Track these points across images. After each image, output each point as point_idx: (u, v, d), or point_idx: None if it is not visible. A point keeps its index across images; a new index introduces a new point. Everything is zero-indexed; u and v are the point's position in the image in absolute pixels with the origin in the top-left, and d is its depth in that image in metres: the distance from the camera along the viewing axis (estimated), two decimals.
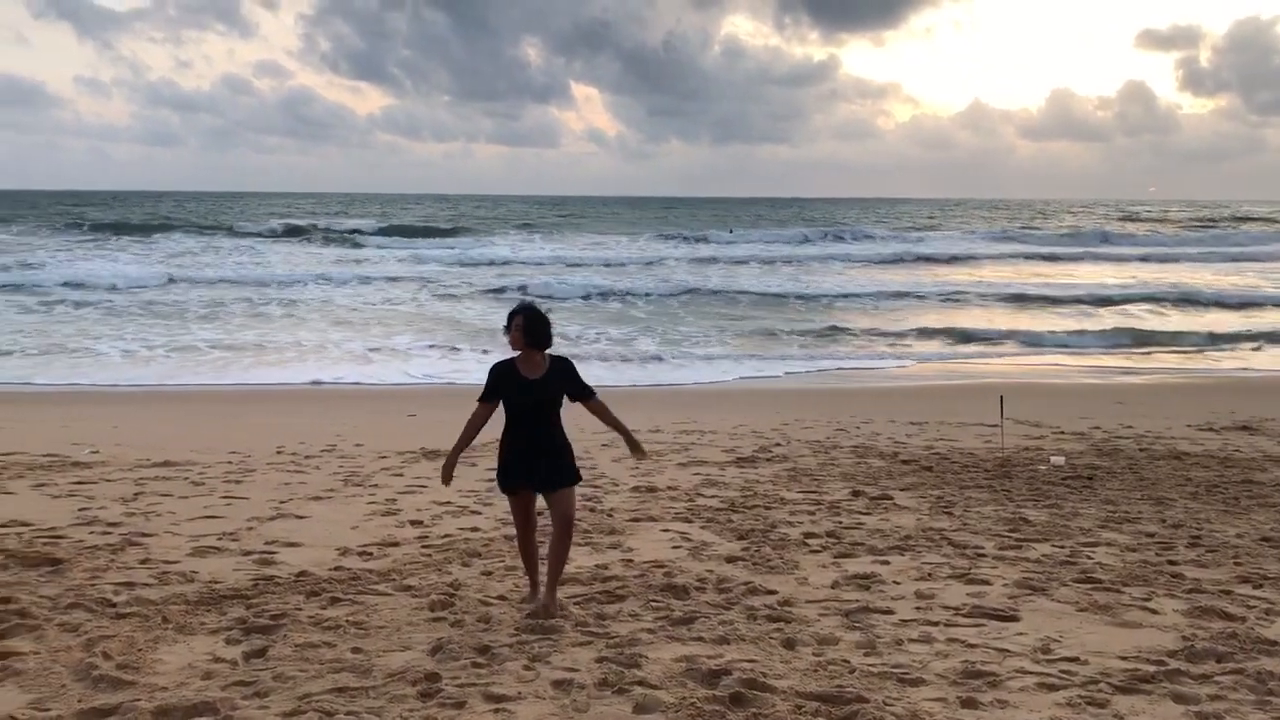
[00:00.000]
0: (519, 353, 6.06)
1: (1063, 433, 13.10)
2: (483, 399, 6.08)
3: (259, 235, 56.14)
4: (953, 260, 49.51)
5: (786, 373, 20.79)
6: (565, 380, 6.13)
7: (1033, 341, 25.06)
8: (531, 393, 5.99)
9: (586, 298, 32.51)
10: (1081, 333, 26.22)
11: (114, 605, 6.16)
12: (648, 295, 32.93)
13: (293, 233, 57.18)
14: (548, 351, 6.12)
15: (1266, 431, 13.22)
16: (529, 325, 5.98)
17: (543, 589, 6.25)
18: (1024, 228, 74.42)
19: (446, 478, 6.26)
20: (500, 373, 6.05)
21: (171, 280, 35.18)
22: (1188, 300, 33.22)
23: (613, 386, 17.78)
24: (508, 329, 6.06)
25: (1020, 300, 33.26)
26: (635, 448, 6.48)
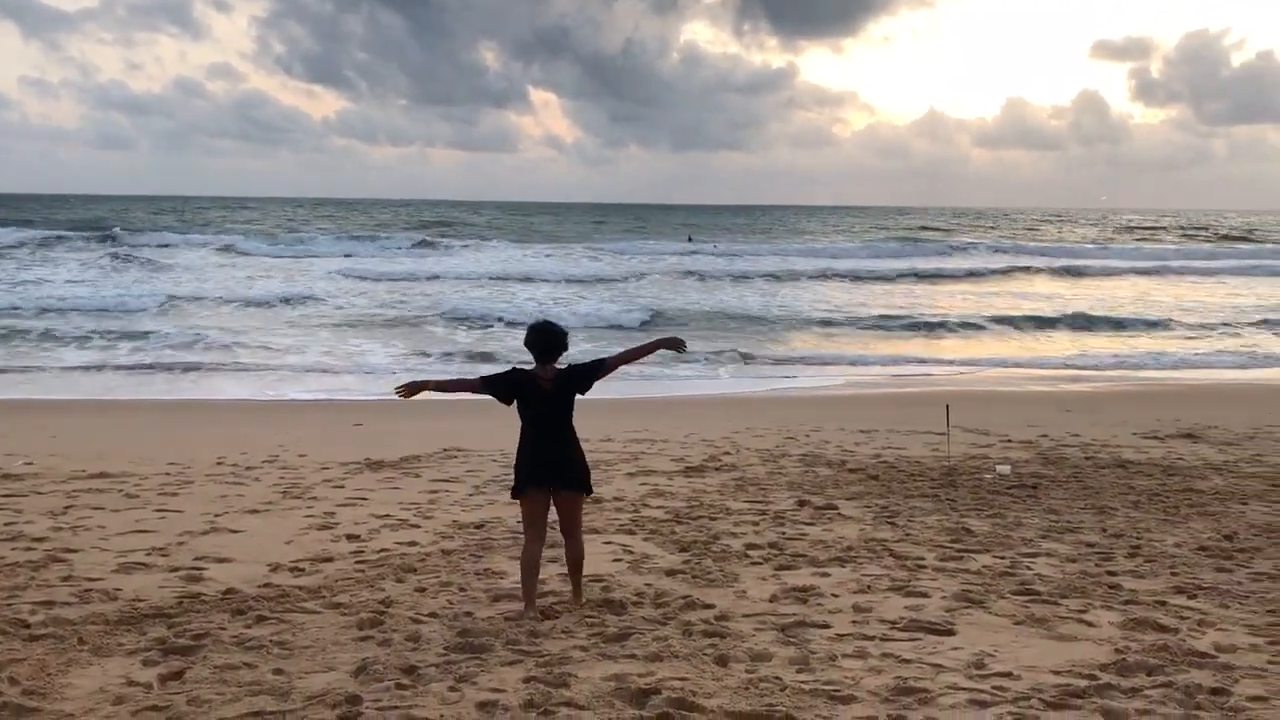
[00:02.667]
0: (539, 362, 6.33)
1: (1010, 441, 13.15)
2: (488, 380, 6.36)
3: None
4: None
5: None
6: (574, 382, 6.36)
7: None
8: (545, 403, 6.29)
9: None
10: None
11: (28, 626, 5.97)
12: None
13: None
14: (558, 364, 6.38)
15: (1209, 439, 13.35)
16: (535, 339, 6.31)
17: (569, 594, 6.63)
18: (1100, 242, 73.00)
19: (409, 390, 6.33)
20: (516, 375, 6.35)
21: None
22: None
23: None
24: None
25: None
26: (670, 344, 6.56)
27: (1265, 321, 31.04)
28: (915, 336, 28.46)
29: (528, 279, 40.87)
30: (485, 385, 6.34)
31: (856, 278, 44.34)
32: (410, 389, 6.34)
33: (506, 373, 6.40)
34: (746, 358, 23.34)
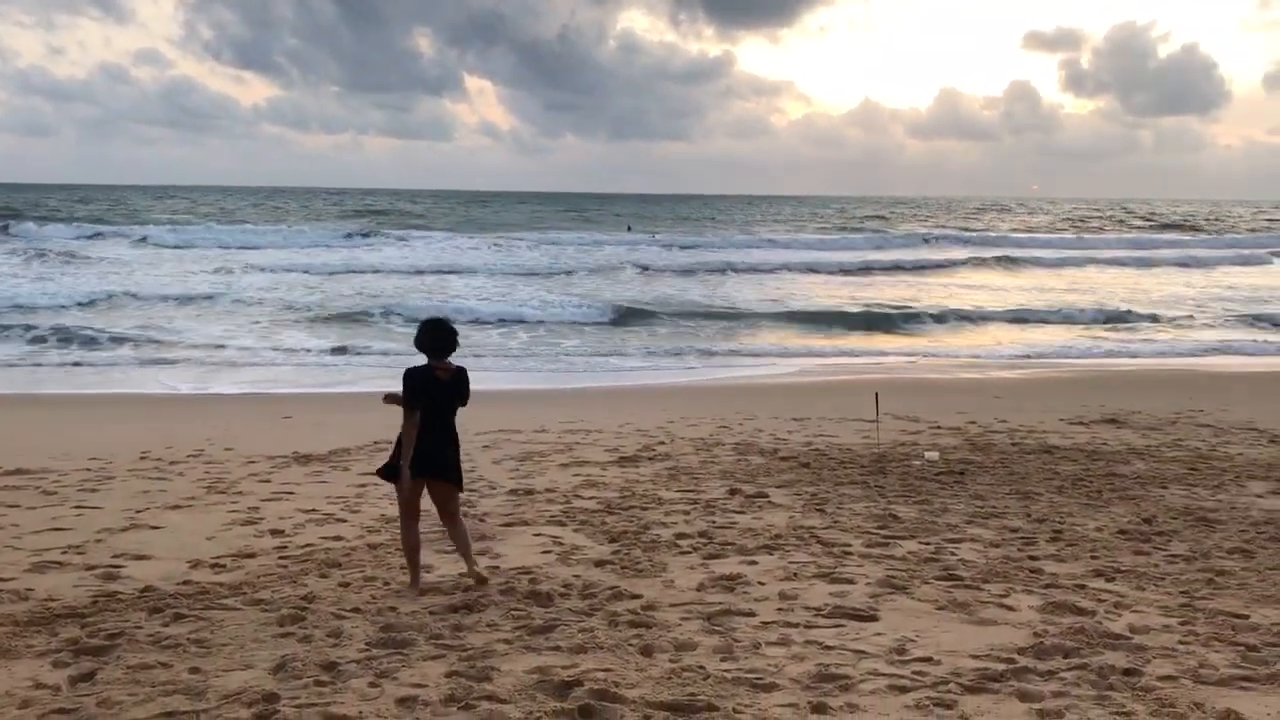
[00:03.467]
0: (432, 360, 6.64)
1: (940, 428, 13.33)
2: (411, 407, 6.56)
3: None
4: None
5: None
6: (464, 386, 6.72)
7: None
8: (443, 395, 6.61)
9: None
10: None
11: None
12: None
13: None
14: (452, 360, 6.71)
15: (1132, 424, 13.65)
16: (434, 337, 6.62)
17: (464, 567, 6.90)
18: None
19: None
20: (418, 378, 6.57)
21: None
22: None
23: (512, 389, 17.59)
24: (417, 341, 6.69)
25: None
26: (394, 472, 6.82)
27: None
28: (920, 329, 28.40)
29: (471, 271, 40.34)
30: (412, 413, 6.57)
31: (816, 270, 44.24)
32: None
33: (412, 385, 6.57)
34: (708, 354, 23.21)
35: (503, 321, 27.42)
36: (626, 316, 28.97)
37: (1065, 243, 63.29)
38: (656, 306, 30.96)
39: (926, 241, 61.06)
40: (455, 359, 6.74)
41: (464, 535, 6.91)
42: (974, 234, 67.70)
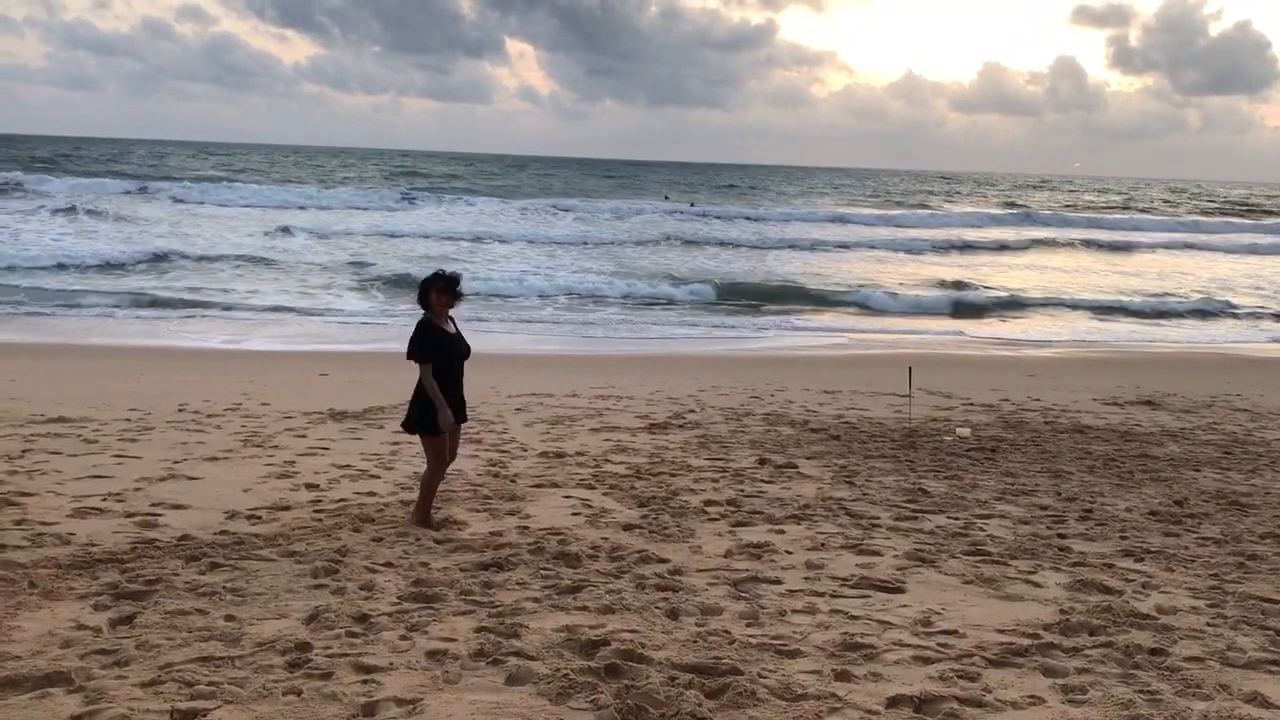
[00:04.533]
0: (441, 313, 7.11)
1: (972, 405, 13.27)
2: (429, 358, 7.05)
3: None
4: None
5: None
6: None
7: None
8: (458, 345, 7.20)
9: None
10: None
11: None
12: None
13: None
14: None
15: (1167, 406, 13.52)
16: (450, 289, 7.08)
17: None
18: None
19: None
20: (433, 335, 7.04)
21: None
22: None
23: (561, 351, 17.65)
24: (425, 296, 7.09)
25: None
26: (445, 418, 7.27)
27: None
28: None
29: (530, 241, 38.92)
30: (431, 366, 7.07)
31: (910, 249, 41.99)
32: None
33: (426, 337, 7.03)
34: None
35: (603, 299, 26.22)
36: (728, 295, 27.44)
37: (1147, 224, 61.08)
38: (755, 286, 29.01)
39: (1002, 219, 59.38)
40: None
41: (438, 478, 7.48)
42: (1051, 213, 65.20)
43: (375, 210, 49.26)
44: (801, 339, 21.22)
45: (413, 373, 7.22)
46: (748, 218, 52.90)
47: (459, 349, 7.18)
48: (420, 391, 7.10)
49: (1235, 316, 27.75)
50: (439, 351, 7.06)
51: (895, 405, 12.88)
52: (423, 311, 7.16)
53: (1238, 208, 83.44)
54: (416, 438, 7.46)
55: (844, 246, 41.88)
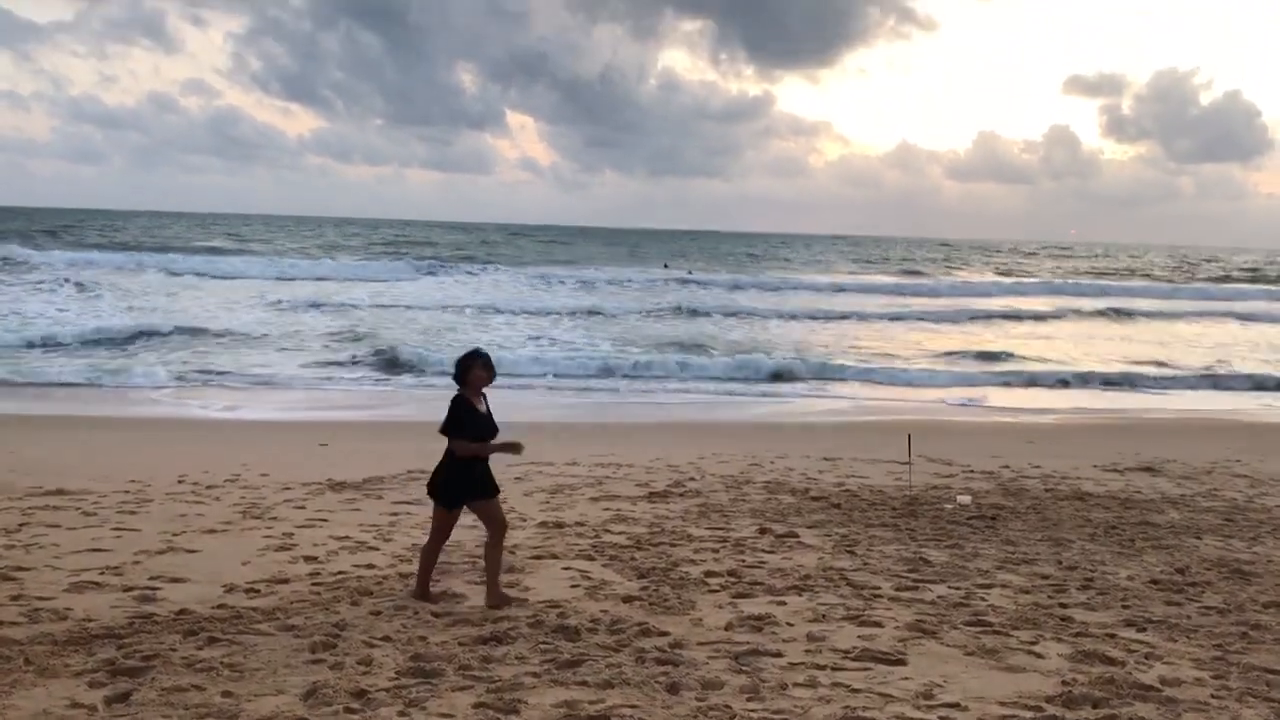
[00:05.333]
0: (477, 390, 7.12)
1: (972, 471, 13.26)
2: (464, 434, 7.02)
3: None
4: None
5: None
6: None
7: None
8: (490, 424, 7.16)
9: None
10: None
11: None
12: None
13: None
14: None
15: (1167, 473, 13.51)
16: (486, 369, 7.13)
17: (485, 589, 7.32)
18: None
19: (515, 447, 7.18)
20: (466, 409, 7.05)
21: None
22: None
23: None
24: (467, 372, 7.07)
25: None
26: (511, 448, 7.21)
27: None
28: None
29: (545, 312, 37.55)
30: (469, 440, 7.06)
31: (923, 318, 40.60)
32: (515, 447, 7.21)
33: (462, 413, 7.05)
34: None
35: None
36: (730, 364, 25.79)
37: (1160, 291, 59.75)
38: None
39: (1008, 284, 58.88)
40: None
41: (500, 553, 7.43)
42: (1066, 282, 64.01)
43: (377, 281, 49.42)
44: (800, 405, 21.24)
45: (438, 442, 7.18)
46: (741, 286, 52.89)
47: (489, 428, 7.14)
48: (448, 461, 7.10)
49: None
50: (473, 429, 7.05)
51: (895, 472, 12.87)
52: (458, 388, 7.14)
53: (1253, 275, 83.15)
54: (429, 505, 7.39)
55: (846, 317, 40.65)
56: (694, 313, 40.01)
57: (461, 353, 7.31)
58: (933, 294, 53.30)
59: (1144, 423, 19.78)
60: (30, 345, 25.31)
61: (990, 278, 68.65)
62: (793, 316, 40.33)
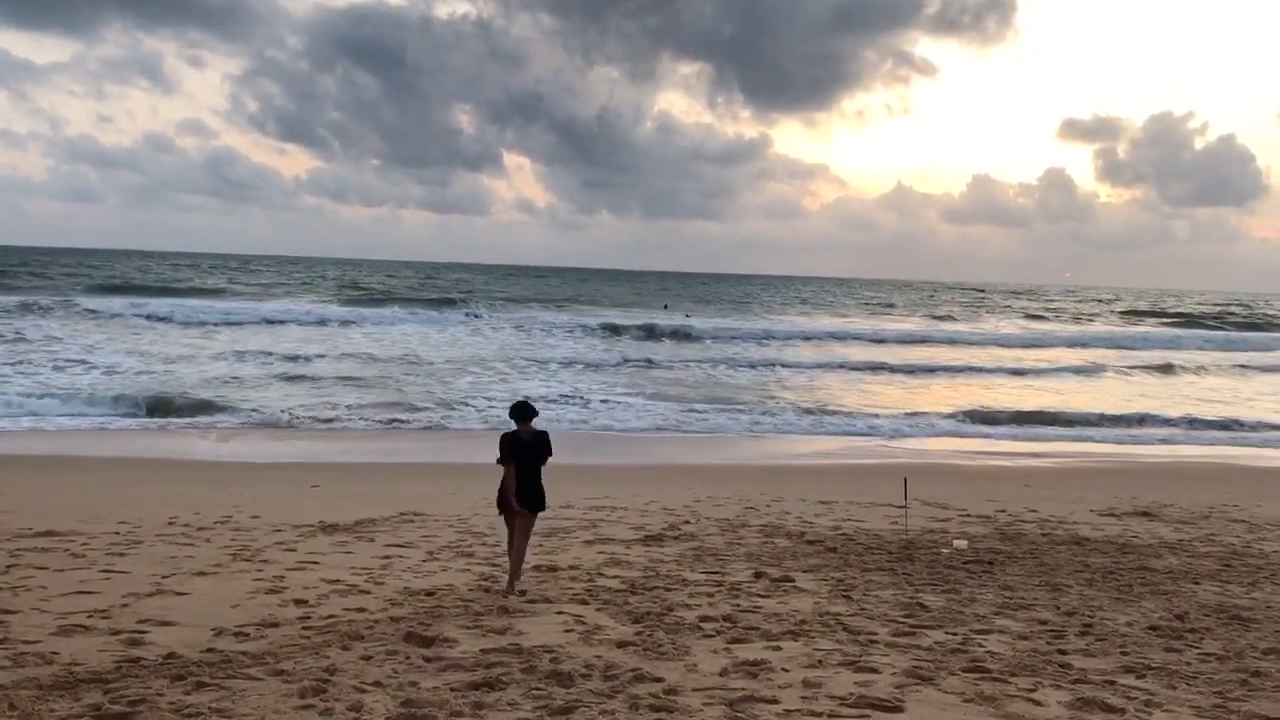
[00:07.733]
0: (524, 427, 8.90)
1: (969, 515, 13.19)
2: (506, 458, 8.81)
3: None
4: None
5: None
6: (545, 444, 8.94)
7: None
8: (526, 451, 8.83)
9: None
10: None
11: None
12: None
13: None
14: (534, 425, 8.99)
15: (1165, 518, 13.46)
16: (519, 410, 8.98)
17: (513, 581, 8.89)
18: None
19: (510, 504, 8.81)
20: (509, 441, 8.84)
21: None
22: None
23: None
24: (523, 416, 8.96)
25: None
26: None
27: None
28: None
29: (532, 361, 35.97)
30: (510, 465, 8.78)
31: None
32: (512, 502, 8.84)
33: (506, 445, 8.83)
34: None
35: None
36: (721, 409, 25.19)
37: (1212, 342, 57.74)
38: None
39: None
40: None
41: (522, 555, 8.96)
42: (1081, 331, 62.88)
43: (373, 324, 49.35)
44: (797, 445, 21.18)
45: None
46: (739, 336, 52.57)
47: (527, 453, 8.79)
48: (502, 483, 8.83)
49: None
50: (517, 456, 8.75)
51: (891, 516, 12.81)
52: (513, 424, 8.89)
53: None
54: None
55: (842, 367, 38.78)
56: (688, 360, 38.90)
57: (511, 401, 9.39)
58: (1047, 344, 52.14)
59: (1140, 466, 19.74)
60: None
61: (1054, 326, 66.99)
62: (780, 365, 38.71)
